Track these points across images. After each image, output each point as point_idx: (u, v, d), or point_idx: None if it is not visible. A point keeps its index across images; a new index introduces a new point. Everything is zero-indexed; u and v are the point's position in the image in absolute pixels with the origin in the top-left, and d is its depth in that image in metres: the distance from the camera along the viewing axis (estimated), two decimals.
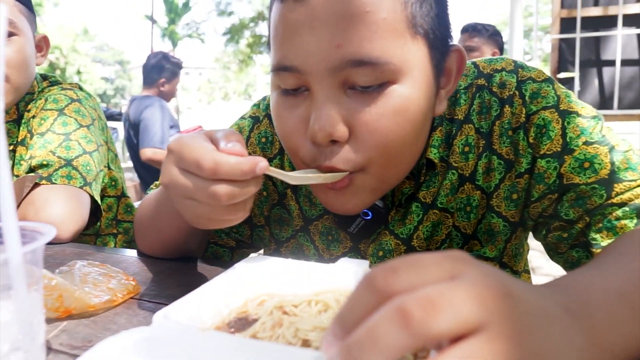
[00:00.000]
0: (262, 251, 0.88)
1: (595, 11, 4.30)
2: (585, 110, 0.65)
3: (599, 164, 0.61)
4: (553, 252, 0.68)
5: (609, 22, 4.26)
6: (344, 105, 0.55)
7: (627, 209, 0.59)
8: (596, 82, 4.44)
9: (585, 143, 0.62)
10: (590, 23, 4.33)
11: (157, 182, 0.88)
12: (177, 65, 3.27)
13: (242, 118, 0.84)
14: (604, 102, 4.45)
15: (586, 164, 0.61)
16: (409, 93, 0.55)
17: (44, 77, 1.18)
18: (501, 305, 0.27)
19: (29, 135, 1.07)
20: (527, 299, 0.30)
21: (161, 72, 3.18)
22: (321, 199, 0.63)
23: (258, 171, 0.47)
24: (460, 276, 0.28)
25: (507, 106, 0.66)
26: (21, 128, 1.10)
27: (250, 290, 0.51)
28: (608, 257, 0.51)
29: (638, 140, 4.50)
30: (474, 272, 0.28)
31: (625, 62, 4.29)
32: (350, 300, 0.29)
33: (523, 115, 0.65)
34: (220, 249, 0.83)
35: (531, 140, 0.65)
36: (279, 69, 0.57)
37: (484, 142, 0.67)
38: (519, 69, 0.67)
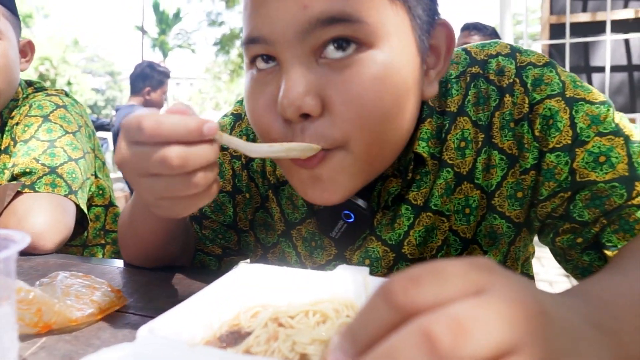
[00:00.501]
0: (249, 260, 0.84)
1: (584, 17, 4.34)
2: (593, 95, 0.58)
3: (616, 157, 0.55)
4: (561, 258, 0.63)
5: (597, 27, 4.30)
6: (315, 75, 0.49)
7: None
8: None
9: (599, 134, 0.56)
10: (579, 29, 4.37)
11: None
12: (164, 74, 3.27)
13: (225, 115, 0.80)
14: None
15: (602, 158, 0.55)
16: (388, 59, 0.49)
17: (29, 84, 1.15)
18: (535, 325, 0.24)
19: (12, 142, 1.04)
20: (560, 316, 0.27)
21: (146, 80, 3.19)
22: (297, 187, 0.56)
23: (206, 130, 0.44)
24: (488, 290, 0.24)
25: (507, 95, 0.60)
26: (4, 135, 1.06)
27: (242, 301, 0.48)
28: (631, 260, 0.48)
29: None
30: (504, 286, 0.25)
31: (614, 68, 4.32)
32: (364, 313, 0.25)
33: (526, 105, 0.59)
34: (206, 257, 0.79)
35: (537, 133, 0.58)
36: (247, 43, 0.53)
37: (482, 135, 0.61)
38: (517, 54, 0.61)
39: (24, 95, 1.10)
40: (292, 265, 0.73)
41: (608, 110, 0.58)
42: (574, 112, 0.57)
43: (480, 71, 0.61)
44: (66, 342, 0.50)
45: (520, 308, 0.24)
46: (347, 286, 0.49)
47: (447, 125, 0.61)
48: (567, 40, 4.33)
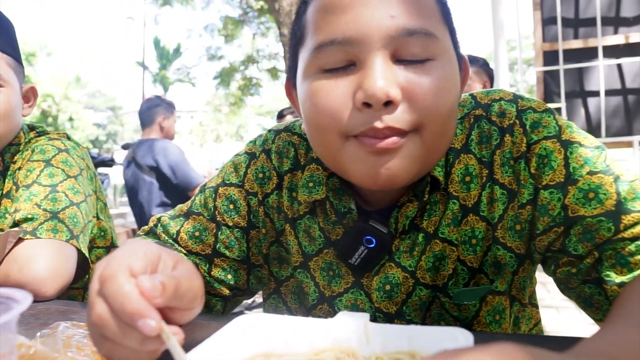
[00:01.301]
0: (255, 297, 0.85)
1: (576, 44, 4.42)
2: (587, 140, 0.63)
3: (604, 194, 0.59)
4: (564, 287, 0.65)
5: (590, 53, 4.37)
6: (395, 73, 0.57)
7: (639, 243, 0.56)
8: (582, 112, 4.51)
9: (589, 173, 0.60)
10: (572, 55, 4.44)
11: (145, 228, 0.85)
12: (170, 104, 3.35)
13: (237, 155, 0.83)
14: (591, 130, 4.50)
15: (591, 195, 0.59)
16: (449, 70, 0.59)
17: (32, 128, 1.17)
18: None
19: (14, 187, 1.05)
20: None
21: (157, 109, 3.26)
22: (359, 168, 0.59)
23: (140, 325, 0.39)
24: None
25: (507, 135, 0.65)
26: (7, 180, 1.07)
27: (244, 351, 0.48)
28: (631, 308, 0.48)
29: (630, 167, 4.53)
30: None
31: (609, 92, 4.37)
32: None
33: (524, 145, 0.64)
34: (212, 298, 0.79)
35: (533, 171, 0.63)
36: (326, 44, 0.58)
37: (486, 171, 0.66)
38: (518, 99, 0.67)
39: (27, 140, 1.12)
40: (309, 294, 0.74)
41: (601, 153, 0.62)
42: (568, 153, 0.61)
43: (484, 113, 0.68)
44: None
45: None
46: (348, 333, 0.49)
47: (451, 160, 0.67)
48: (561, 67, 4.39)
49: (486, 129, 0.66)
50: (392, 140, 0.56)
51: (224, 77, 14.26)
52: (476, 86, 3.05)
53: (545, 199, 0.62)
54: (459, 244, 0.67)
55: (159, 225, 0.82)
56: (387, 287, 0.67)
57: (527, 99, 0.67)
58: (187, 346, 0.53)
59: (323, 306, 0.73)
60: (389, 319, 0.69)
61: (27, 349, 0.50)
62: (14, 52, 1.07)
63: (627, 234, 0.57)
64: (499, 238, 0.66)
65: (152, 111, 3.25)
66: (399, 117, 0.56)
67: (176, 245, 0.79)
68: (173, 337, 0.41)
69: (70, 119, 26.97)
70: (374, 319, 0.69)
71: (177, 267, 0.47)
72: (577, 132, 0.64)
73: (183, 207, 0.83)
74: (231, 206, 0.78)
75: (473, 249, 0.66)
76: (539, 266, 0.71)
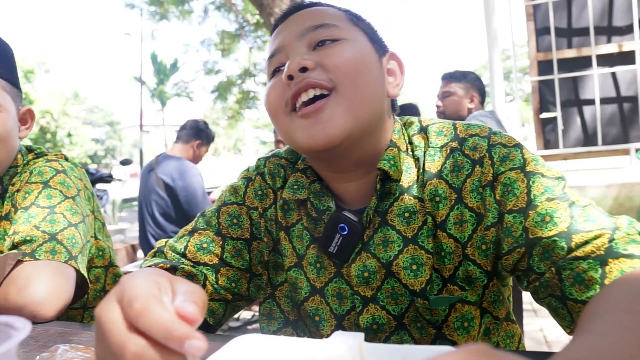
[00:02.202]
0: (255, 312, 0.88)
1: (569, 53, 4.46)
2: (550, 172, 0.71)
3: (559, 217, 0.66)
4: (536, 298, 0.72)
5: (584, 62, 4.41)
6: (310, 54, 0.75)
7: (590, 261, 0.62)
8: (578, 120, 4.54)
9: (548, 199, 0.67)
10: (566, 64, 4.48)
11: (151, 253, 0.89)
12: (211, 138, 3.41)
13: (234, 182, 0.92)
14: (588, 139, 4.53)
15: (547, 218, 0.66)
16: (357, 47, 0.76)
17: (29, 150, 1.17)
18: None
19: (13, 209, 1.05)
20: None
21: (199, 134, 3.29)
22: (304, 135, 0.73)
23: (187, 348, 0.39)
24: None
25: (477, 166, 0.74)
26: (5, 202, 1.08)
27: None
28: (596, 320, 0.52)
29: (626, 174, 4.54)
30: None
31: (604, 100, 4.40)
32: None
33: (491, 175, 0.72)
34: (215, 303, 0.85)
35: (498, 197, 0.71)
36: (271, 57, 0.79)
37: (455, 195, 0.75)
38: (492, 135, 0.76)
39: (25, 162, 1.13)
40: (302, 288, 0.83)
41: (560, 182, 0.70)
42: (530, 182, 0.69)
43: (458, 146, 0.77)
44: None
45: None
46: (342, 353, 0.49)
47: (425, 180, 0.77)
48: (556, 76, 4.43)
49: (459, 160, 0.75)
50: (318, 104, 0.71)
51: (222, 91, 14.32)
52: (464, 101, 3.09)
53: (509, 222, 0.70)
54: (433, 253, 0.75)
55: (166, 246, 0.88)
56: (366, 274, 0.77)
57: (500, 135, 0.76)
58: None
59: (315, 297, 0.82)
60: (365, 302, 0.77)
61: None
62: (10, 76, 1.08)
63: (579, 252, 0.63)
64: (469, 255, 0.74)
65: (194, 132, 3.28)
66: (314, 76, 0.72)
67: (183, 260, 0.84)
68: None
69: (69, 135, 27.01)
70: (353, 303, 0.78)
71: (174, 285, 0.47)
72: (541, 165, 0.72)
73: (187, 227, 0.89)
74: (234, 221, 0.87)
75: (442, 261, 0.75)
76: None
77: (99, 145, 38.07)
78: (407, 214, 0.76)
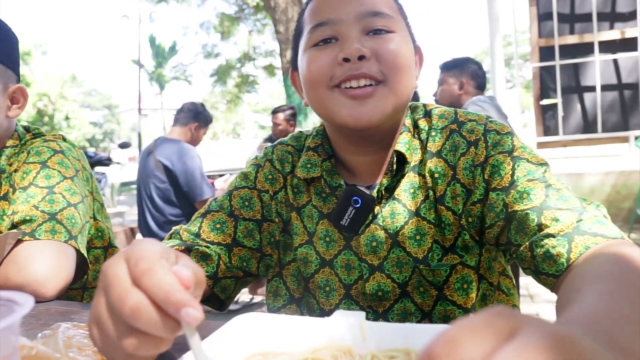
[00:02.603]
0: (253, 296, 0.88)
1: (571, 39, 4.43)
2: (535, 159, 0.78)
3: (535, 195, 0.73)
4: (521, 269, 0.78)
5: (586, 49, 4.39)
6: (366, 41, 0.79)
7: (560, 237, 0.68)
8: (579, 107, 4.53)
9: (528, 180, 0.75)
10: (568, 51, 4.45)
11: (167, 236, 0.90)
12: (209, 119, 3.40)
13: (244, 169, 0.96)
14: (587, 126, 4.52)
15: (524, 195, 0.74)
16: (404, 42, 0.81)
17: (27, 130, 1.16)
18: (572, 353, 0.26)
19: (11, 189, 1.05)
20: (584, 342, 0.28)
21: (197, 116, 3.29)
22: (345, 113, 0.79)
23: (183, 315, 0.40)
24: (518, 332, 0.26)
25: (472, 147, 0.82)
26: (3, 183, 1.07)
27: (243, 350, 0.49)
28: (586, 290, 0.54)
29: (625, 162, 4.55)
30: (530, 326, 0.27)
31: (605, 87, 4.38)
32: None
33: (483, 157, 0.80)
34: (228, 280, 0.89)
35: (486, 177, 0.79)
36: (317, 25, 0.81)
37: (451, 172, 0.83)
38: (488, 122, 0.84)
39: (22, 142, 1.12)
40: (311, 262, 0.88)
41: (542, 167, 0.77)
42: (515, 166, 0.77)
43: (457, 128, 0.85)
44: None
45: (554, 341, 0.25)
46: (343, 332, 0.50)
47: (426, 159, 0.85)
48: (557, 62, 4.41)
49: (457, 141, 0.83)
50: (367, 90, 0.77)
51: (221, 74, 14.23)
52: (453, 88, 3.11)
53: (492, 199, 0.78)
54: (434, 224, 0.82)
55: (181, 229, 0.90)
56: (374, 244, 0.83)
57: (495, 123, 0.84)
58: (187, 344, 0.54)
59: (325, 269, 0.87)
60: (372, 270, 0.83)
61: (29, 350, 0.51)
62: None
63: (551, 230, 0.69)
64: (464, 225, 0.82)
65: (192, 114, 3.29)
66: (370, 67, 0.77)
67: (198, 240, 0.88)
68: (197, 333, 0.42)
69: (67, 118, 26.89)
70: (361, 272, 0.84)
71: (179, 260, 0.48)
72: (528, 152, 0.79)
73: (200, 210, 0.92)
74: (246, 203, 0.91)
75: (442, 232, 0.82)
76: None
77: (97, 128, 37.94)
78: (412, 190, 0.84)
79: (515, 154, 0.79)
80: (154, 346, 0.43)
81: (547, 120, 4.61)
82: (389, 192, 0.84)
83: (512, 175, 0.76)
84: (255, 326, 0.52)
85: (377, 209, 0.84)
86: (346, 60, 0.77)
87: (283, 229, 0.92)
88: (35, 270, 0.86)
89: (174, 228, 0.92)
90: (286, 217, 0.91)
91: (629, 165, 4.36)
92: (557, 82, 4.44)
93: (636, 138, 4.32)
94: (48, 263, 0.88)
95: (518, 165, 0.77)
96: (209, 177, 3.38)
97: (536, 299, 3.27)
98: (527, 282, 3.40)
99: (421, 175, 0.84)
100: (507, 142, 0.80)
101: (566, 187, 0.75)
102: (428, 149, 0.85)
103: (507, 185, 0.76)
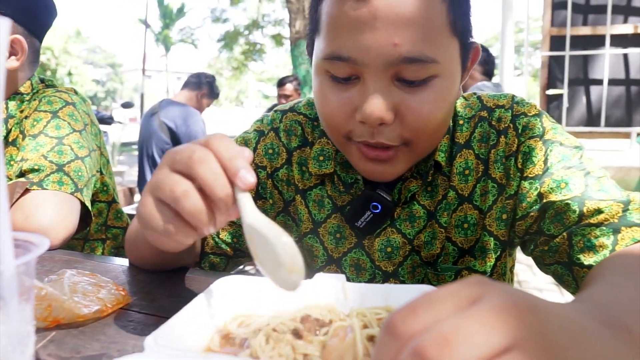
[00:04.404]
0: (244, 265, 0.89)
1: (584, 30, 4.38)
2: (568, 140, 0.72)
3: (574, 184, 0.67)
4: (541, 265, 0.73)
5: (597, 41, 4.34)
6: (392, 94, 0.63)
7: (604, 228, 0.64)
8: (584, 99, 4.51)
9: (564, 167, 0.69)
10: (579, 42, 4.41)
11: None
12: (217, 92, 3.46)
13: (246, 132, 0.88)
14: (591, 119, 4.52)
15: (562, 185, 0.68)
16: (446, 85, 0.64)
17: (42, 80, 1.18)
18: (529, 321, 0.26)
19: (20, 135, 1.06)
20: (558, 313, 0.29)
21: (208, 86, 3.35)
22: (360, 168, 0.70)
23: (241, 177, 0.44)
24: (480, 300, 0.27)
25: (502, 136, 0.74)
26: (13, 128, 1.08)
27: (227, 312, 0.51)
28: (610, 275, 0.54)
29: (625, 157, 4.56)
30: (495, 294, 0.28)
31: (612, 81, 4.36)
32: (377, 349, 0.29)
33: (515, 145, 0.73)
34: (217, 257, 0.85)
35: (519, 166, 0.73)
36: (333, 58, 0.63)
37: (482, 167, 0.75)
38: (514, 105, 0.76)
39: (35, 90, 1.13)
40: (318, 257, 0.82)
41: (578, 152, 0.71)
42: (548, 151, 0.71)
43: (487, 115, 0.76)
44: (74, 336, 0.53)
45: (512, 309, 0.26)
46: (327, 292, 0.52)
47: (454, 152, 0.76)
48: (567, 53, 4.37)
49: (487, 131, 0.75)
50: (385, 153, 0.66)
51: (228, 40, 14.06)
52: None
53: (524, 188, 0.71)
54: (450, 227, 0.76)
55: None
56: (389, 249, 0.77)
57: (522, 103, 0.76)
58: (183, 297, 0.57)
59: (331, 267, 0.82)
60: (386, 277, 0.78)
61: (39, 290, 0.53)
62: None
63: (593, 220, 0.64)
64: (486, 226, 0.75)
65: (202, 82, 3.33)
66: (389, 135, 0.64)
67: None
68: (248, 195, 0.45)
69: (69, 74, 26.62)
70: (372, 276, 0.78)
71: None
72: (560, 134, 0.73)
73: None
74: None
75: (464, 232, 0.76)
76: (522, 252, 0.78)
77: (100, 86, 37.62)
78: (429, 188, 0.76)
79: (546, 137, 0.72)
80: (189, 234, 0.46)
81: (551, 110, 4.60)
82: (410, 192, 0.76)
83: (545, 162, 0.70)
84: (239, 288, 0.54)
85: (397, 211, 0.76)
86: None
87: (283, 209, 0.85)
88: (42, 219, 0.89)
89: None
90: (288, 197, 0.84)
91: (629, 162, 4.37)
92: (565, 73, 4.41)
93: (638, 134, 4.33)
94: (54, 213, 0.90)
95: (551, 150, 0.70)
96: None
97: (524, 285, 3.33)
98: (516, 269, 3.46)
99: (446, 176, 0.76)
100: (537, 125, 0.73)
101: (605, 174, 0.69)
102: (456, 140, 0.76)
103: (541, 173, 0.70)
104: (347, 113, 0.65)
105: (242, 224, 0.45)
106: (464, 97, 0.80)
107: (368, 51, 0.60)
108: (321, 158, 0.80)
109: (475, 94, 0.80)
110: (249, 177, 0.43)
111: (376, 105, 0.61)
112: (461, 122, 0.77)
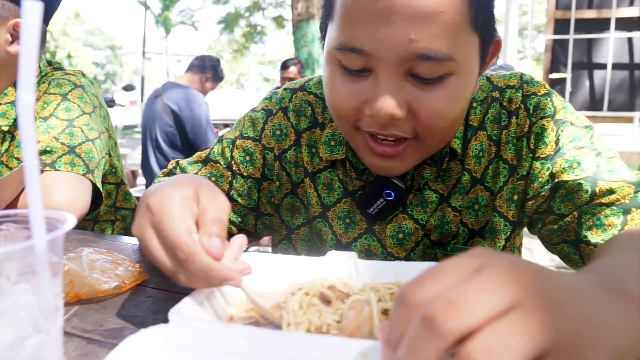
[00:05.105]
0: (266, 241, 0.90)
1: (589, 13, 4.35)
2: (579, 120, 0.73)
3: (586, 164, 0.68)
4: (547, 244, 0.74)
5: (601, 24, 4.31)
6: (405, 90, 0.61)
7: (614, 207, 0.65)
8: (587, 83, 4.50)
9: (575, 147, 0.70)
10: (583, 25, 4.38)
11: (164, 170, 0.89)
12: (221, 77, 3.46)
13: (254, 110, 0.87)
14: (594, 103, 4.51)
15: (574, 165, 0.69)
16: (462, 83, 0.62)
17: (49, 63, 1.18)
18: (529, 283, 0.28)
19: None
20: (557, 276, 0.31)
21: (213, 69, 3.35)
22: (366, 160, 0.69)
23: (231, 284, 0.46)
24: (483, 268, 0.29)
25: (513, 117, 0.74)
26: None
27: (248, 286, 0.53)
28: (614, 249, 0.55)
29: (627, 142, 4.56)
30: (497, 261, 0.30)
31: (616, 66, 4.34)
32: (391, 321, 0.31)
33: (527, 126, 0.73)
34: None
35: (531, 146, 0.73)
36: (346, 49, 0.61)
37: (495, 149, 0.75)
38: (524, 85, 0.75)
39: (43, 73, 1.14)
40: (327, 241, 0.82)
41: (588, 132, 0.72)
42: (559, 131, 0.72)
43: (498, 96, 0.76)
44: (95, 311, 0.56)
45: (512, 274, 0.29)
46: (340, 269, 0.54)
47: (469, 135, 0.75)
48: (571, 36, 4.34)
49: (498, 112, 0.75)
50: (393, 149, 0.64)
51: (229, 22, 13.93)
52: None
53: (536, 169, 0.72)
54: (463, 209, 0.76)
55: (178, 168, 0.87)
56: (400, 236, 0.77)
57: (532, 83, 0.75)
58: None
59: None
60: None
61: (62, 266, 0.55)
62: None
63: (605, 199, 0.66)
64: (497, 207, 0.75)
65: (207, 65, 3.33)
66: (401, 128, 0.63)
67: None
68: (248, 286, 0.48)
69: (69, 56, 26.42)
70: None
71: (201, 202, 0.52)
72: (570, 113, 0.73)
73: (202, 154, 0.88)
74: (247, 158, 0.83)
75: (475, 214, 0.76)
76: (525, 233, 0.80)
77: (99, 69, 37.37)
78: (441, 173, 0.76)
79: (557, 116, 0.72)
80: (202, 283, 0.48)
81: None
82: (423, 178, 0.75)
83: (557, 142, 0.71)
84: (253, 264, 0.56)
85: (409, 198, 0.76)
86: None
87: (291, 190, 0.84)
88: (55, 200, 0.90)
89: (170, 164, 0.89)
90: (296, 179, 0.83)
91: (631, 146, 4.37)
92: (568, 57, 4.39)
93: None
94: (67, 193, 0.92)
95: (562, 131, 0.71)
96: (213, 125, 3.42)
97: None
98: None
99: (460, 160, 0.75)
100: (548, 105, 0.73)
101: (615, 155, 0.70)
102: (470, 123, 0.75)
103: (553, 153, 0.71)
104: (357, 104, 0.63)
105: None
106: None
107: (382, 45, 0.58)
108: (332, 143, 0.79)
109: (483, 75, 0.78)
110: (234, 283, 0.46)
111: (387, 102, 0.60)
112: (474, 105, 0.76)
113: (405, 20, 0.56)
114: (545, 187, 0.71)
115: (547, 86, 0.76)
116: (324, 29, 0.70)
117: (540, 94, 0.74)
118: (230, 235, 0.84)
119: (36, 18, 0.36)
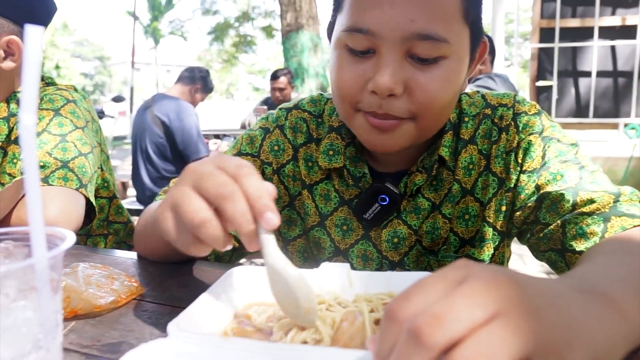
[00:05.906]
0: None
1: (573, 22, 4.44)
2: (565, 138, 0.77)
3: (569, 176, 0.72)
4: (536, 252, 0.77)
5: (585, 33, 4.40)
6: (404, 69, 0.67)
7: (595, 216, 0.68)
8: (573, 91, 4.57)
9: (560, 161, 0.74)
10: (568, 34, 4.46)
11: (165, 189, 0.91)
12: (211, 88, 3.48)
13: (251, 129, 0.91)
14: (580, 110, 4.58)
15: (558, 177, 0.73)
16: (454, 67, 0.69)
17: (41, 78, 1.19)
18: (510, 291, 0.30)
19: None
20: (536, 283, 0.33)
21: (202, 80, 3.36)
22: (364, 137, 0.74)
23: (264, 223, 0.45)
24: (466, 280, 0.31)
25: (503, 133, 0.79)
26: (15, 127, 1.10)
27: (239, 300, 0.54)
28: (595, 256, 0.58)
29: (612, 148, 4.63)
30: (478, 273, 0.31)
31: (600, 73, 4.42)
32: (380, 334, 0.32)
33: (515, 142, 0.79)
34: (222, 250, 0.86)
35: (519, 160, 0.78)
36: (354, 30, 0.68)
37: (485, 162, 0.80)
38: (516, 104, 0.81)
39: None
40: (325, 249, 0.85)
41: (574, 148, 0.76)
42: (546, 147, 0.76)
43: (490, 113, 0.82)
44: (92, 326, 0.56)
45: (492, 285, 0.30)
46: (333, 280, 0.56)
47: (459, 148, 0.80)
48: (556, 45, 4.42)
49: (489, 128, 0.80)
50: (389, 122, 0.70)
51: (218, 32, 13.97)
52: None
53: (523, 181, 0.77)
54: (453, 218, 0.80)
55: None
56: (395, 240, 0.81)
57: (523, 103, 0.81)
58: (193, 288, 0.60)
59: (338, 258, 0.85)
60: (392, 266, 0.82)
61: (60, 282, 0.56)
62: None
63: (586, 209, 0.69)
64: (486, 217, 0.80)
65: (196, 76, 3.35)
66: (397, 107, 0.68)
67: None
68: (272, 236, 0.47)
69: (57, 67, 26.30)
70: (380, 266, 0.82)
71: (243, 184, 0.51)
72: (558, 131, 0.78)
73: None
74: None
75: (465, 223, 0.80)
76: (514, 243, 0.84)
77: (88, 80, 37.18)
78: (434, 182, 0.80)
79: (545, 134, 0.77)
80: (206, 251, 0.49)
81: (541, 101, 4.66)
82: (416, 185, 0.79)
83: (544, 156, 0.75)
84: (250, 278, 0.57)
85: (403, 204, 0.80)
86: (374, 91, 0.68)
87: (289, 203, 0.87)
88: (49, 214, 0.91)
89: (171, 182, 0.88)
90: (294, 192, 0.87)
91: (616, 152, 4.44)
92: (554, 65, 4.46)
93: (625, 125, 4.40)
94: (61, 208, 0.93)
95: (549, 146, 0.76)
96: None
97: None
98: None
99: (451, 170, 0.80)
100: (537, 123, 0.78)
101: (598, 169, 0.74)
102: (461, 136, 0.81)
103: (539, 166, 0.75)
104: (360, 84, 0.69)
105: (264, 264, 0.48)
106: (469, 95, 0.84)
107: (386, 25, 0.65)
108: (331, 152, 0.83)
109: (478, 92, 0.84)
110: (274, 219, 0.45)
111: (388, 76, 0.66)
112: (466, 119, 0.81)
113: (407, 3, 0.65)
114: (532, 199, 0.75)
115: (538, 107, 0.81)
116: (331, 27, 0.77)
117: (531, 113, 0.80)
118: (230, 249, 0.85)
119: (38, 42, 0.37)
